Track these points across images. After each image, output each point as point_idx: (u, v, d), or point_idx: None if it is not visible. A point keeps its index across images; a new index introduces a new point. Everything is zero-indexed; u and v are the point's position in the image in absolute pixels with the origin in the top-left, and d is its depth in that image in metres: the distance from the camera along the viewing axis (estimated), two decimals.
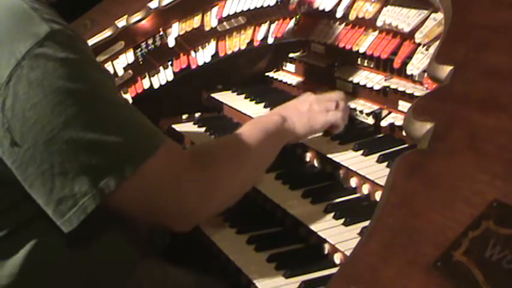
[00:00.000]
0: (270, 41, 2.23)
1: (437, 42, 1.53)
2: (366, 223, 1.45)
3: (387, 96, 1.80)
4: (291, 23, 2.17)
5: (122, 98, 1.48)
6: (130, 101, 2.37)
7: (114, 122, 1.31)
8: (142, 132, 1.34)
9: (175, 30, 2.39)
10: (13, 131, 1.26)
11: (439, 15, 1.61)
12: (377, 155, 1.64)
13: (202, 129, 2.19)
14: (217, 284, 1.68)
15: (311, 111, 1.69)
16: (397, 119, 1.73)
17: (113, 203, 1.29)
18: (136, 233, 1.58)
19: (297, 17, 2.16)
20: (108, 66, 2.39)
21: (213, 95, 2.37)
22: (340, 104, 1.74)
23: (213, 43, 2.35)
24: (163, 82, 2.38)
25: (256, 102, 2.18)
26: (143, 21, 2.40)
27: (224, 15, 2.33)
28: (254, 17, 2.30)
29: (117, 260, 1.49)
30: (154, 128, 1.37)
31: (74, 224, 1.27)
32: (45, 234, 1.35)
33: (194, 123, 2.27)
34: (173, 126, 2.28)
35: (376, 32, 1.83)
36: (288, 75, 2.30)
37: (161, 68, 2.38)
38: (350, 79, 1.92)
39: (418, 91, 1.67)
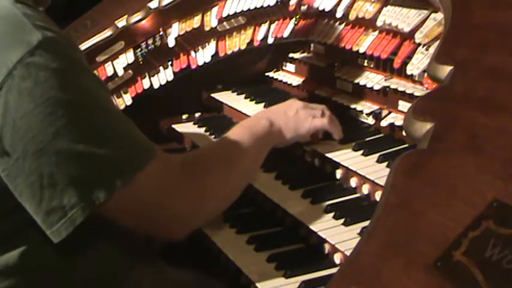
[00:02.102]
0: (270, 41, 2.23)
1: (437, 42, 1.54)
2: (366, 223, 1.45)
3: (387, 96, 1.79)
4: (291, 23, 2.17)
5: (114, 107, 1.46)
6: (131, 101, 2.37)
7: (105, 133, 1.29)
8: (133, 144, 1.33)
9: (175, 30, 2.39)
10: (3, 140, 1.25)
11: (439, 15, 1.61)
12: (377, 155, 1.63)
13: (202, 129, 2.19)
14: (217, 284, 1.68)
15: (297, 116, 1.68)
16: (397, 119, 1.73)
17: (102, 214, 1.29)
18: (133, 235, 1.57)
19: (297, 17, 2.16)
20: (108, 66, 2.39)
21: (213, 95, 2.37)
22: (325, 112, 1.73)
23: (213, 43, 2.35)
24: (163, 82, 2.38)
25: (256, 102, 2.17)
26: (143, 21, 2.40)
27: (224, 15, 2.33)
28: (254, 17, 2.29)
29: (112, 263, 1.48)
30: (145, 140, 1.36)
31: (63, 235, 1.27)
32: (37, 241, 1.35)
33: (194, 123, 2.27)
34: (173, 126, 2.28)
35: (376, 32, 1.83)
36: (288, 75, 2.30)
37: (161, 68, 2.38)
38: (350, 79, 1.92)
39: (418, 91, 1.67)
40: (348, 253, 1.41)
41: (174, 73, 2.37)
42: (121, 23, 2.42)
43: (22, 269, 1.36)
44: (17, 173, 1.26)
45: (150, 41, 2.39)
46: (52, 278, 1.40)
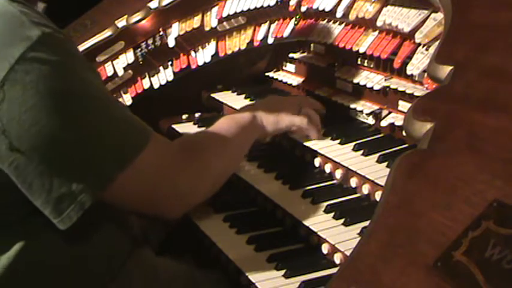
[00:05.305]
0: (270, 41, 2.23)
1: (437, 42, 1.53)
2: (366, 223, 1.45)
3: (387, 96, 1.79)
4: (291, 23, 2.17)
5: (111, 95, 1.56)
6: (131, 101, 2.38)
7: (108, 121, 1.35)
8: (133, 127, 1.40)
9: (175, 30, 2.39)
10: (10, 134, 1.27)
11: (439, 15, 1.61)
12: (377, 155, 1.64)
13: (202, 129, 2.19)
14: (209, 275, 1.68)
15: (279, 112, 1.78)
16: (397, 119, 1.73)
17: (108, 197, 1.34)
18: (127, 230, 1.59)
19: (297, 17, 2.16)
20: (108, 66, 2.39)
21: (213, 95, 2.37)
22: (310, 113, 1.83)
23: (213, 43, 2.35)
24: (163, 82, 2.38)
25: None
26: (143, 21, 2.40)
27: (224, 15, 2.33)
28: (254, 17, 2.29)
29: (105, 255, 1.50)
30: (142, 123, 1.43)
31: (73, 220, 1.31)
32: (33, 235, 1.38)
33: (194, 123, 2.27)
34: (173, 126, 2.28)
35: (376, 32, 1.83)
36: (288, 75, 2.30)
37: (161, 68, 2.38)
38: (350, 79, 1.92)
39: (418, 91, 1.67)
40: (348, 253, 1.41)
41: (174, 73, 2.37)
42: (121, 23, 2.42)
43: (17, 266, 1.38)
44: (26, 165, 1.29)
45: (150, 41, 2.39)
46: (44, 270, 1.42)
